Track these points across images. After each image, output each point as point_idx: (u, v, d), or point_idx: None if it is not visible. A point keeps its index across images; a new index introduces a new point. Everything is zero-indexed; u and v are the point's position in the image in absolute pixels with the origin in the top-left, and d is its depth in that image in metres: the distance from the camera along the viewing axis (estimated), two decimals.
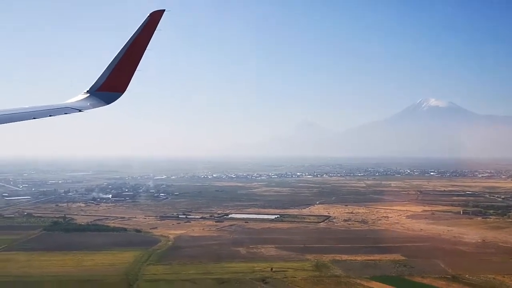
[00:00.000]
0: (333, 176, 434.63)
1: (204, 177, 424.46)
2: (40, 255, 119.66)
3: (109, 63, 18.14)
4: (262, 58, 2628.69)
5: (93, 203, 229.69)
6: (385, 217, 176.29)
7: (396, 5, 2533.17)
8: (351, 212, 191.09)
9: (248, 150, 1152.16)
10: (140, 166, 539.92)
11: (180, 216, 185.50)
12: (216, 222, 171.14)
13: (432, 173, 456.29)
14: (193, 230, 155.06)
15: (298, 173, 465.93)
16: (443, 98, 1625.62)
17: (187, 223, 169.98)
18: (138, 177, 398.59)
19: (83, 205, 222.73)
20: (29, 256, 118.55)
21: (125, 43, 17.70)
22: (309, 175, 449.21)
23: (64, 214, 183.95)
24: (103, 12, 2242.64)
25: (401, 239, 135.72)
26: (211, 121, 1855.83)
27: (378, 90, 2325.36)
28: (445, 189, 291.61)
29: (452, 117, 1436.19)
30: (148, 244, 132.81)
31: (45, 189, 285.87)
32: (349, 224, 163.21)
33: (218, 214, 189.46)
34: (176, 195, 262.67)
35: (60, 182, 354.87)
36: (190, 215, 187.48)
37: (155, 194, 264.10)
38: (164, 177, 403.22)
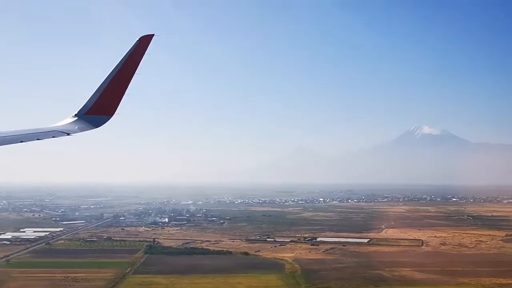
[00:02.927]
0: (358, 201, 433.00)
1: (229, 202, 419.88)
2: (179, 279, 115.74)
3: (98, 86, 18.01)
4: (254, 82, 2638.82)
5: (154, 227, 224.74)
6: (478, 241, 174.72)
7: (392, 32, 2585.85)
8: (435, 236, 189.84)
9: (239, 176, 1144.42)
10: (147, 192, 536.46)
11: (267, 239, 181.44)
12: (311, 245, 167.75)
13: (454, 199, 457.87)
14: (300, 253, 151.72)
15: (321, 199, 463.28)
16: (437, 126, 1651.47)
17: (282, 246, 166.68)
18: (165, 202, 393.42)
19: (148, 229, 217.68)
20: (168, 280, 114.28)
21: (114, 66, 17.63)
22: (333, 200, 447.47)
23: (154, 238, 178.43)
24: (92, 36, 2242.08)
25: None
26: (200, 147, 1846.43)
27: (371, 117, 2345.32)
28: (491, 214, 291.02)
29: (446, 144, 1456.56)
30: (275, 267, 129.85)
31: (88, 214, 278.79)
32: (454, 247, 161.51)
33: (303, 238, 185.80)
34: (228, 219, 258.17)
35: (92, 207, 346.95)
36: (273, 238, 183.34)
37: (209, 219, 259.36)
38: (190, 202, 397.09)
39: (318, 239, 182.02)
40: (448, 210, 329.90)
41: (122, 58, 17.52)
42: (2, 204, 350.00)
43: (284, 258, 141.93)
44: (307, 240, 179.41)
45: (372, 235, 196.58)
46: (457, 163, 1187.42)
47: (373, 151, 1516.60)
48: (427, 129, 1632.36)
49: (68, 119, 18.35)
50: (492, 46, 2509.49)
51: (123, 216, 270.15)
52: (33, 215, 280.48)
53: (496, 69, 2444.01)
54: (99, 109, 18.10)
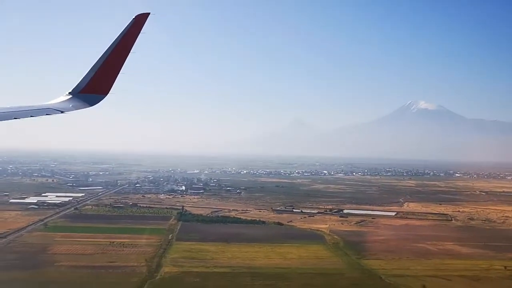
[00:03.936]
0: (363, 175, 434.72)
1: (235, 172, 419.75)
2: (226, 246, 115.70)
3: (93, 64, 17.78)
4: (253, 56, 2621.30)
5: (174, 194, 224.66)
6: (505, 216, 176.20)
7: (389, 8, 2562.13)
8: (459, 211, 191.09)
9: (240, 147, 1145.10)
10: (151, 161, 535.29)
11: (294, 210, 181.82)
12: (340, 217, 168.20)
13: (457, 174, 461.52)
14: (333, 225, 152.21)
15: (325, 171, 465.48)
16: (433, 101, 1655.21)
17: (311, 218, 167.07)
18: (171, 171, 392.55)
19: (168, 196, 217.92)
20: (216, 247, 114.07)
21: (109, 45, 17.39)
22: (338, 173, 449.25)
23: (182, 206, 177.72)
24: (87, 14, 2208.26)
25: None
26: (200, 118, 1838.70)
27: (369, 91, 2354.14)
28: (502, 190, 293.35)
29: (441, 120, 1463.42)
30: (315, 238, 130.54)
31: (101, 180, 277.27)
32: (484, 223, 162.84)
33: (329, 209, 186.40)
34: (243, 189, 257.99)
35: (101, 173, 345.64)
36: (299, 209, 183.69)
37: (224, 188, 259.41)
38: (196, 171, 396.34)
39: (344, 211, 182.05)
40: (457, 185, 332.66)
41: (118, 37, 17.14)
42: (9, 168, 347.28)
43: (320, 229, 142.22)
44: (334, 212, 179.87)
45: (395, 208, 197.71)
46: (453, 139, 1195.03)
47: (369, 125, 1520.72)
48: (423, 104, 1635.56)
49: (62, 97, 17.98)
50: (490, 21, 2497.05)
51: (138, 183, 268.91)
52: (46, 180, 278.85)
53: (494, 45, 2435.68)
54: (94, 87, 17.81)
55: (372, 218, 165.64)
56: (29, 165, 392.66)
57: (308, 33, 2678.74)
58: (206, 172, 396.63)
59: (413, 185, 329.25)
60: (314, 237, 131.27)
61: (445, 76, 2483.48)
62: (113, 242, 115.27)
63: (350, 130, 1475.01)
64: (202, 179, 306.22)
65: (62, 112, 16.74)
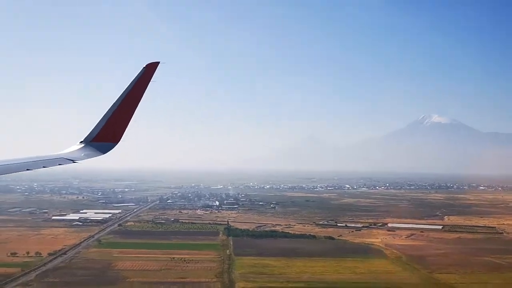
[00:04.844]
0: (386, 189, 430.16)
1: (258, 187, 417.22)
2: (288, 261, 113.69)
3: (104, 114, 18.05)
4: (264, 72, 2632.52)
5: (210, 210, 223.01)
6: None
7: (401, 20, 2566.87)
8: (503, 224, 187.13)
9: (254, 163, 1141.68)
10: (169, 177, 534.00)
11: (338, 224, 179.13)
12: (388, 231, 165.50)
13: (481, 187, 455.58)
14: (385, 238, 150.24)
15: (347, 186, 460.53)
16: (446, 115, 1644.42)
17: (358, 232, 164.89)
18: (195, 186, 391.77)
19: (205, 212, 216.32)
20: (279, 262, 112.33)
21: (120, 94, 17.67)
22: (361, 187, 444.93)
23: (227, 221, 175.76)
24: (98, 64, 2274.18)
25: None
26: (213, 134, 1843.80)
27: (381, 106, 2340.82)
28: None
29: (455, 134, 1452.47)
30: (373, 252, 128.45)
31: (131, 197, 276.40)
32: None
33: (373, 223, 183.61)
34: (276, 204, 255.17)
35: (126, 190, 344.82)
36: (344, 224, 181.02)
37: (256, 203, 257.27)
38: (220, 186, 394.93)
39: (389, 225, 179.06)
40: (486, 198, 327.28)
41: (128, 86, 17.49)
42: (35, 186, 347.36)
43: (374, 243, 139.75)
44: (378, 226, 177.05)
45: (437, 222, 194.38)
46: (468, 152, 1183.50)
47: (382, 139, 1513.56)
48: (437, 118, 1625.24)
49: (74, 146, 18.35)
50: (504, 34, 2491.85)
51: (168, 199, 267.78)
52: (76, 197, 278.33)
53: (508, 58, 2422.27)
54: (106, 136, 18.15)
55: (421, 232, 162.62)
56: (53, 183, 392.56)
57: (320, 47, 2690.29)
58: (230, 187, 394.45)
59: (442, 198, 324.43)
60: (372, 251, 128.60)
61: (458, 90, 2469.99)
62: (173, 258, 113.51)
63: (364, 144, 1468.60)
64: (231, 194, 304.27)
65: (74, 161, 16.91)
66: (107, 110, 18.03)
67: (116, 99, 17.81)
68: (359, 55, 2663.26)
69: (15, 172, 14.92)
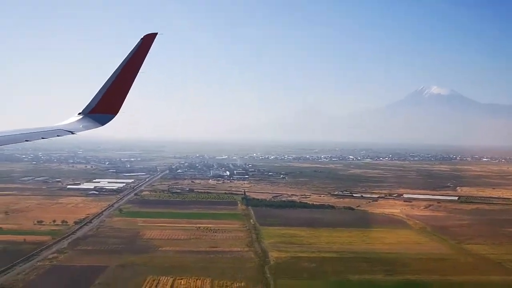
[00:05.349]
0: (391, 159, 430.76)
1: (262, 158, 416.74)
2: (314, 231, 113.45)
3: (102, 85, 18.00)
4: (265, 42, 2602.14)
5: (222, 180, 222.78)
6: None
7: None
8: None
9: (251, 133, 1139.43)
10: (170, 147, 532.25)
11: (354, 195, 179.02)
12: (404, 202, 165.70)
13: (484, 159, 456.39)
14: (404, 209, 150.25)
15: (350, 156, 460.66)
16: (445, 86, 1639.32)
17: (375, 202, 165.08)
18: (200, 157, 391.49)
19: (217, 181, 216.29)
20: (305, 232, 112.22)
21: (118, 65, 17.64)
22: (365, 158, 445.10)
23: (244, 191, 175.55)
24: (95, 35, 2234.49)
25: None
26: (205, 105, 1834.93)
27: (380, 76, 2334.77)
28: None
29: (454, 105, 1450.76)
30: (396, 223, 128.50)
31: (140, 166, 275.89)
32: None
33: (388, 194, 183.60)
34: (285, 174, 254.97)
35: (132, 159, 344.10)
36: (359, 194, 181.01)
37: (265, 173, 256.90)
38: (225, 157, 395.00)
39: (404, 195, 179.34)
40: (492, 169, 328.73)
41: (126, 57, 17.43)
42: (40, 155, 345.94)
43: (394, 214, 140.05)
44: (394, 197, 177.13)
45: (451, 192, 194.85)
46: (467, 123, 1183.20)
47: (381, 110, 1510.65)
48: (436, 89, 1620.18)
49: (73, 118, 18.24)
50: (504, 4, 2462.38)
51: (178, 169, 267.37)
52: (85, 166, 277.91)
53: (508, 27, 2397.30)
54: (104, 107, 18.11)
55: (438, 203, 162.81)
56: (58, 152, 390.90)
57: (319, 18, 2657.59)
58: (235, 157, 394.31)
59: (448, 169, 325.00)
60: (394, 221, 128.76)
61: (458, 61, 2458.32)
62: (199, 227, 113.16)
63: (363, 115, 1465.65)
64: (238, 165, 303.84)
65: (72, 132, 16.90)
66: (105, 81, 17.92)
67: (114, 71, 17.71)
68: (359, 25, 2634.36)
69: (15, 143, 15.02)
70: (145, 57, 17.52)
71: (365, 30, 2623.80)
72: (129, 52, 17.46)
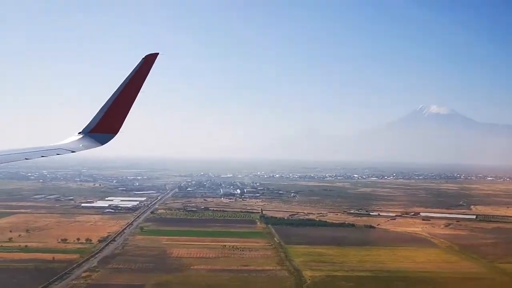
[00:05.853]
0: (395, 178, 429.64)
1: (267, 176, 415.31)
2: (341, 250, 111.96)
3: (103, 105, 18.00)
4: (266, 61, 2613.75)
5: (234, 198, 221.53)
6: None
7: (400, 11, 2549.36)
8: None
9: (245, 152, 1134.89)
10: (173, 166, 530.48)
11: (370, 213, 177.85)
12: (423, 220, 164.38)
13: (489, 178, 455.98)
14: (425, 228, 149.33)
15: (355, 175, 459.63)
16: (444, 105, 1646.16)
17: (393, 221, 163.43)
18: (205, 175, 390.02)
19: (230, 200, 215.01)
20: (332, 250, 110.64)
21: (119, 85, 17.64)
22: (370, 177, 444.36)
23: (261, 209, 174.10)
24: (97, 55, 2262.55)
25: None
26: (208, 123, 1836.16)
27: (379, 96, 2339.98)
28: None
29: (454, 124, 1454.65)
30: (421, 241, 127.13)
31: (149, 185, 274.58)
32: None
33: (405, 213, 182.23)
34: (296, 193, 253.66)
35: (138, 178, 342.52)
36: (377, 213, 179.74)
37: (275, 192, 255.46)
38: (230, 175, 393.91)
39: (421, 214, 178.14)
40: (500, 188, 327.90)
41: (127, 77, 17.46)
42: (46, 173, 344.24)
43: (417, 232, 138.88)
44: (412, 215, 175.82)
45: (467, 211, 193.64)
46: (466, 143, 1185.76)
47: (380, 130, 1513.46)
48: (435, 108, 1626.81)
49: (73, 137, 18.29)
50: (503, 24, 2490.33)
51: (187, 187, 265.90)
52: (93, 184, 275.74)
53: (507, 48, 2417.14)
54: (104, 127, 18.16)
55: (457, 221, 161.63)
56: (63, 170, 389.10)
57: (319, 37, 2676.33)
58: (240, 176, 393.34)
59: (456, 188, 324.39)
60: (419, 240, 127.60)
61: (457, 81, 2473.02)
62: (225, 245, 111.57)
63: (363, 135, 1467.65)
64: (246, 183, 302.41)
65: (72, 151, 16.92)
66: (105, 101, 17.84)
67: (115, 90, 17.68)
68: (357, 45, 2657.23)
69: (14, 161, 14.96)
70: (146, 77, 17.54)
71: (366, 51, 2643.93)
72: (130, 72, 17.49)
